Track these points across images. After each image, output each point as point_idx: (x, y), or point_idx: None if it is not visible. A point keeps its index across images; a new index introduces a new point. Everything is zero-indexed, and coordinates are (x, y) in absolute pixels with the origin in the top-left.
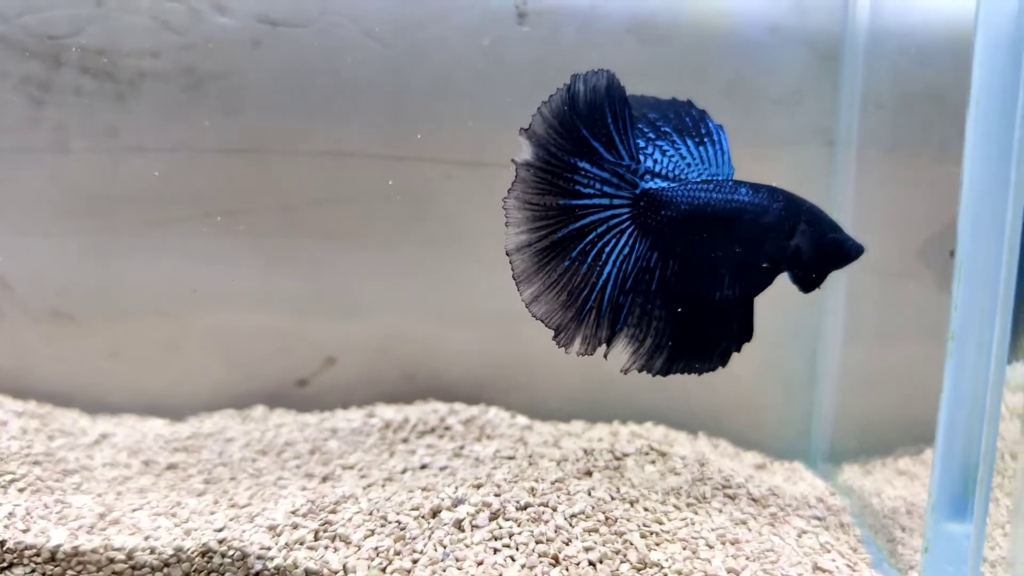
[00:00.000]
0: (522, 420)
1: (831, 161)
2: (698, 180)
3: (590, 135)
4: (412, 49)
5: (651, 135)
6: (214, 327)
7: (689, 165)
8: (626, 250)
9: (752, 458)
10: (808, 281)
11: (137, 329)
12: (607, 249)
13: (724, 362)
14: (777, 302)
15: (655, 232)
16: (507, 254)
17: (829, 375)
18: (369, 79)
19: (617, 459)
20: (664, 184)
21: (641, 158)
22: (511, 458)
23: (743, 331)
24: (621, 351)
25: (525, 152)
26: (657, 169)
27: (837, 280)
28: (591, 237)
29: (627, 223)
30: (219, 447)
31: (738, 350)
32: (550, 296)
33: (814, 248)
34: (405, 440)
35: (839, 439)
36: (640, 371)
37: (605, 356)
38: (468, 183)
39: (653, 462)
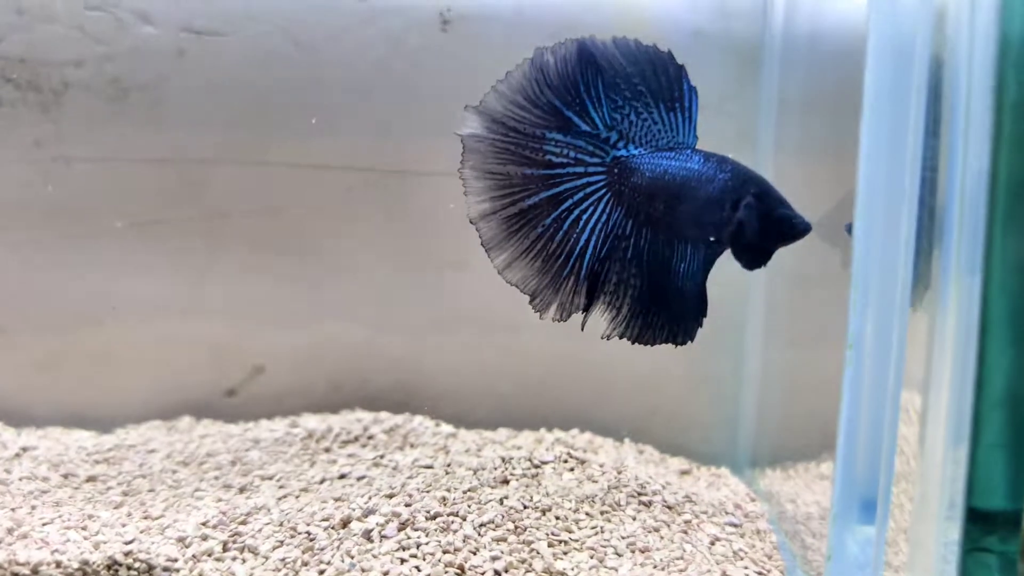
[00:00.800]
0: (447, 428)
1: (753, 165)
2: (664, 148)
3: (563, 105)
4: (337, 57)
5: (627, 94)
6: (144, 338)
7: (660, 132)
8: (604, 217)
9: (677, 464)
10: (752, 258)
11: (66, 341)
12: (584, 216)
13: (691, 336)
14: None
15: (627, 200)
16: (471, 222)
17: (752, 379)
18: (294, 87)
19: (535, 467)
20: (635, 151)
21: (615, 122)
22: (429, 467)
23: (699, 306)
24: (599, 318)
25: (471, 125)
26: (630, 134)
27: (757, 283)
28: (567, 204)
29: (603, 190)
30: (140, 458)
31: (698, 326)
32: (524, 262)
33: (761, 223)
34: (327, 450)
35: (761, 443)
36: (620, 338)
37: (582, 327)
38: (392, 191)
39: (572, 469)
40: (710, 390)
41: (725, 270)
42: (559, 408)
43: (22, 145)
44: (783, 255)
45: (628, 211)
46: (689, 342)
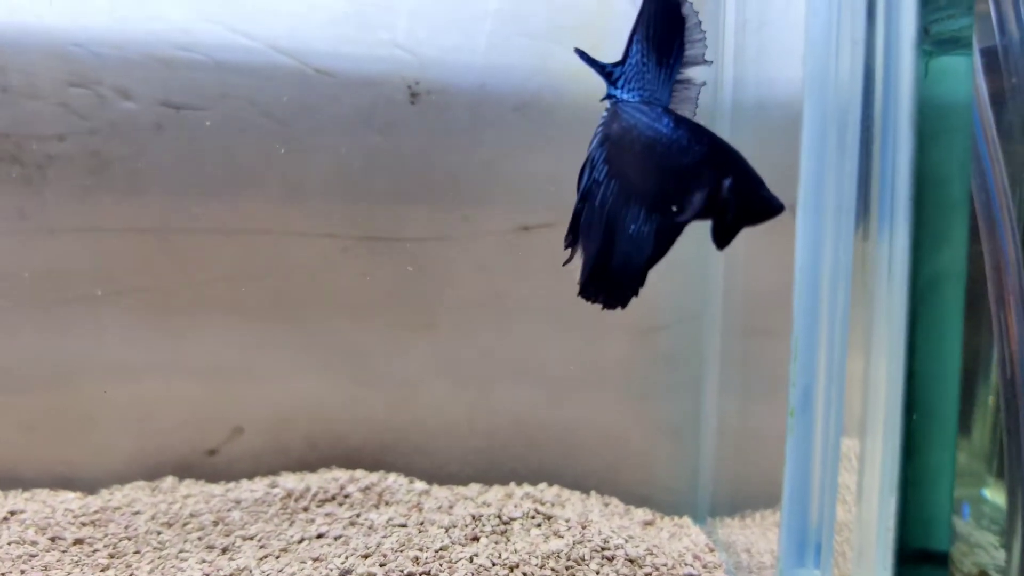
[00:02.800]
0: (420, 485)
1: (707, 224)
2: (646, 101)
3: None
4: (309, 129)
5: (648, 34)
6: (126, 400)
7: (649, 83)
8: (595, 154)
9: (642, 515)
10: (728, 237)
11: (52, 403)
12: (590, 150)
13: (622, 304)
14: (667, 355)
15: (609, 144)
16: None
17: (711, 429)
18: (267, 159)
19: (504, 523)
20: (625, 95)
21: (627, 58)
22: (403, 526)
23: (636, 278)
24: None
25: None
26: (630, 76)
27: (711, 336)
28: (594, 133)
29: (600, 129)
30: (126, 520)
31: (631, 295)
32: None
33: (744, 203)
34: (306, 509)
35: (720, 493)
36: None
37: (564, 262)
38: (364, 257)
39: (539, 525)
40: (672, 441)
41: (682, 318)
42: (528, 462)
43: (7, 216)
44: (738, 314)
45: (608, 156)
46: (620, 308)
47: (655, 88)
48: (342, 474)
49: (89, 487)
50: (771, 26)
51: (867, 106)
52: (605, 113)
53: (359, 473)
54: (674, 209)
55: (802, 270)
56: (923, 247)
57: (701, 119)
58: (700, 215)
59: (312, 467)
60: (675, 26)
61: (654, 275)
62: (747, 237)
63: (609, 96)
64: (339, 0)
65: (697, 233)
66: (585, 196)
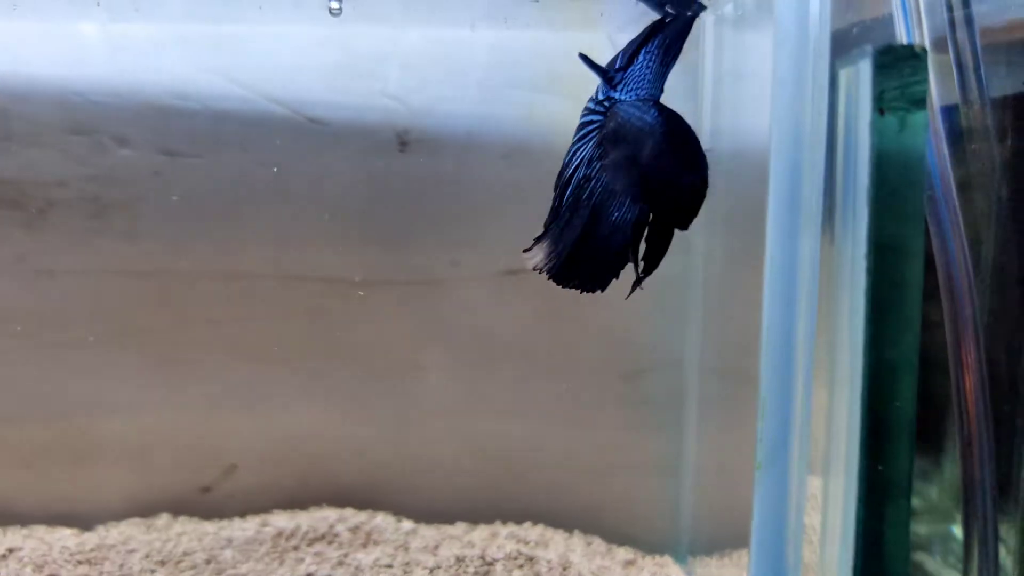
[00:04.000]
0: (407, 524)
1: (687, 271)
2: (640, 98)
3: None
4: (302, 176)
5: (662, 45)
6: (122, 438)
7: (645, 85)
8: (588, 156)
9: (623, 554)
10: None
11: (50, 440)
12: (581, 151)
13: (602, 286)
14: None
15: (604, 144)
16: None
17: (691, 469)
18: (262, 205)
19: (487, 564)
20: (622, 96)
21: (627, 63)
22: (389, 566)
23: (617, 260)
24: (540, 248)
25: None
26: (628, 79)
27: (691, 378)
28: (579, 135)
29: (595, 130)
30: (121, 559)
31: (612, 277)
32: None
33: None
34: (296, 548)
35: (700, 531)
36: (541, 270)
37: (524, 251)
38: (356, 300)
39: (521, 567)
40: (654, 479)
41: (663, 362)
42: (514, 501)
43: (7, 259)
44: (716, 356)
45: (602, 153)
46: (599, 290)
47: (653, 87)
48: (332, 513)
49: (86, 524)
50: (748, 79)
51: (830, 162)
52: (592, 115)
53: (348, 512)
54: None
55: (769, 329)
56: (882, 319)
57: None
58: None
59: (303, 505)
60: (685, 35)
61: (636, 320)
62: (723, 282)
63: (607, 98)
64: (332, 51)
65: (678, 280)
66: (569, 191)
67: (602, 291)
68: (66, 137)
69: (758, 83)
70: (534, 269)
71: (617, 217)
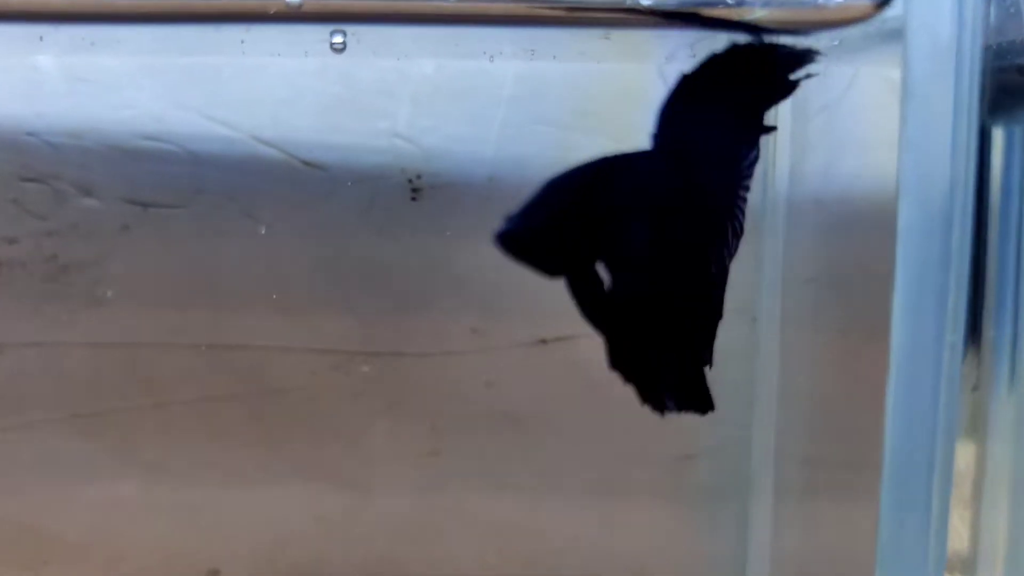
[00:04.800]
0: None
1: (753, 339)
2: None
3: None
4: (297, 229)
5: None
6: (86, 541)
7: None
8: None
9: None
10: None
11: (2, 545)
12: None
13: None
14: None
15: None
16: None
17: (760, 559)
18: (249, 263)
19: None
20: None
21: None
22: None
23: None
24: None
25: None
26: None
27: (762, 464)
28: None
29: None
30: None
31: None
32: None
33: None
34: None
35: None
36: None
37: None
38: (357, 374)
39: None
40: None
41: (724, 436)
42: None
43: None
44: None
45: None
46: None
47: None
48: None
49: None
50: (829, 111)
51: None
52: None
53: None
54: None
55: (895, 412)
56: None
57: (752, 220)
58: None
59: None
60: None
61: None
62: (811, 341)
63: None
64: (331, 84)
65: (742, 349)
66: None
67: None
68: (18, 184)
69: (846, 115)
70: None
71: None
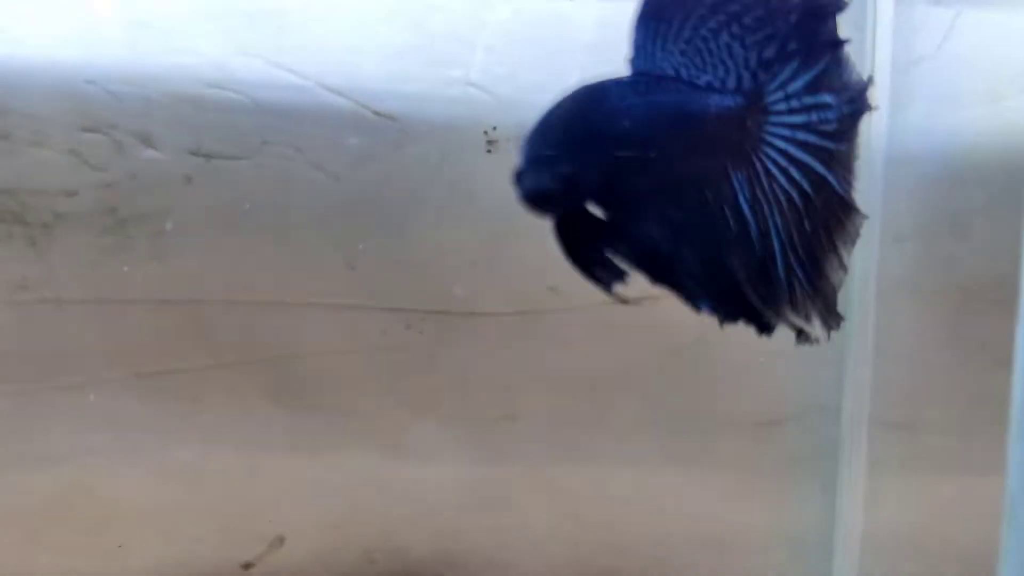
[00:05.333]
0: None
1: (844, 304)
2: None
3: None
4: (367, 182)
5: None
6: (144, 501)
7: None
8: None
9: None
10: None
11: (58, 505)
12: None
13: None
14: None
15: None
16: None
17: (847, 541)
18: (317, 217)
19: None
20: None
21: None
22: None
23: None
24: None
25: None
26: None
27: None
28: None
29: None
30: None
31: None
32: None
33: None
34: None
35: None
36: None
37: None
38: (431, 334)
39: None
40: (796, 556)
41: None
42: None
43: (7, 285)
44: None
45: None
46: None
47: None
48: None
49: None
50: (928, 61)
51: None
52: None
53: None
54: None
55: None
56: None
57: None
58: None
59: None
60: None
61: (777, 356)
62: (913, 317)
63: None
64: (402, 31)
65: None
66: None
67: None
68: (77, 135)
69: (944, 66)
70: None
71: None
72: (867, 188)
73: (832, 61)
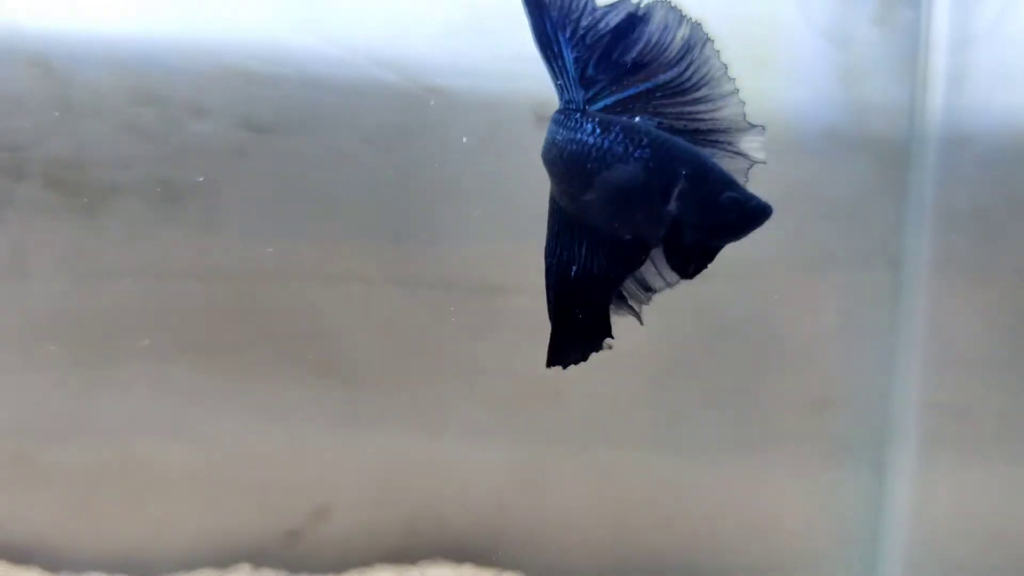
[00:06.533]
0: None
1: (896, 285)
2: (560, 111)
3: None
4: (416, 157)
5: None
6: (192, 470)
7: (560, 88)
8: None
9: None
10: (693, 261)
11: (106, 475)
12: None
13: (564, 360)
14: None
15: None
16: None
17: (895, 525)
18: (368, 192)
19: None
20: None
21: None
22: None
23: (590, 328)
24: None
25: None
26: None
27: (898, 413)
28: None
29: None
30: None
31: (582, 357)
32: None
33: (704, 214)
34: None
35: None
36: None
37: None
38: (478, 310)
39: None
40: (844, 538)
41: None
42: (662, 557)
43: (62, 254)
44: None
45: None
46: (571, 363)
47: (561, 92)
48: (447, 570)
49: (147, 572)
50: (983, 41)
51: None
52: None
53: (467, 570)
54: (628, 238)
55: None
56: None
57: (888, 157)
58: (663, 239)
59: (412, 558)
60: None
61: (826, 337)
62: (964, 287)
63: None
64: (453, 6)
65: (884, 292)
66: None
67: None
68: (131, 109)
69: (1001, 46)
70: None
71: (587, 271)
72: (917, 167)
73: None
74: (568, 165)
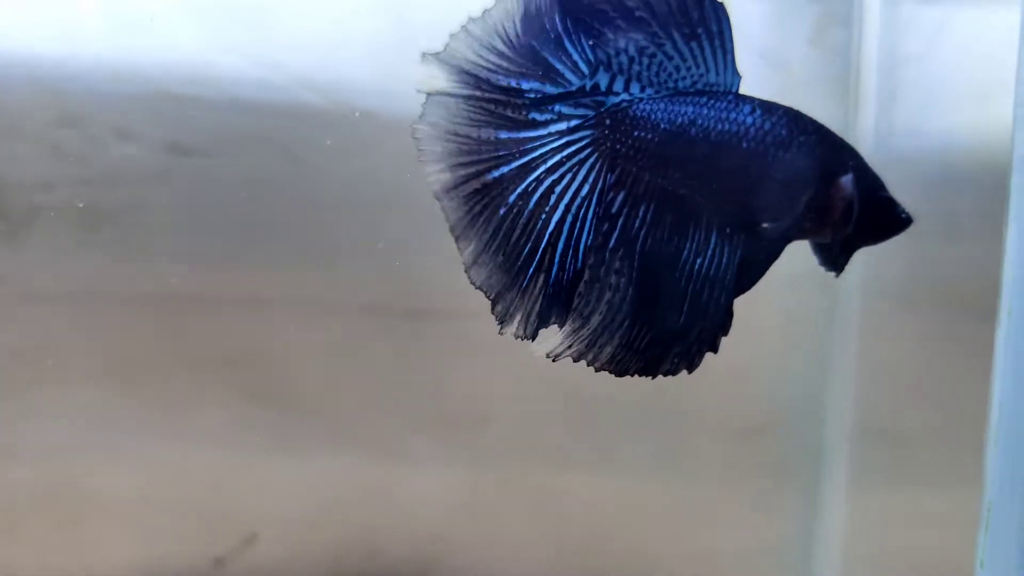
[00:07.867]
0: None
1: (829, 310)
2: (688, 90)
3: (540, 45)
4: (347, 179)
5: (620, 24)
6: (118, 499)
7: (677, 68)
8: (584, 190)
9: None
10: (844, 254)
11: (31, 500)
12: (557, 189)
13: (689, 364)
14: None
15: (623, 164)
16: (436, 198)
17: (828, 553)
18: (295, 215)
19: None
20: (640, 94)
21: (604, 59)
22: None
23: (718, 322)
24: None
25: (439, 80)
26: (631, 73)
27: (835, 438)
28: (537, 174)
29: (587, 152)
30: None
31: (712, 348)
32: (487, 256)
33: (864, 209)
34: None
35: None
36: (576, 359)
37: (532, 336)
38: (405, 335)
39: None
40: (778, 566)
41: (796, 408)
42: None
43: None
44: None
45: (621, 180)
46: (686, 371)
47: (700, 71)
48: None
49: None
50: (916, 62)
51: None
52: (579, 135)
53: None
54: (765, 225)
55: (1001, 413)
56: None
57: None
58: (808, 228)
59: None
60: None
61: (761, 363)
62: (897, 325)
63: (607, 107)
64: (381, 27)
65: (819, 317)
66: (588, 244)
67: (688, 372)
68: (54, 130)
69: (934, 68)
70: (550, 358)
71: (702, 265)
72: None
73: None
74: (711, 144)
